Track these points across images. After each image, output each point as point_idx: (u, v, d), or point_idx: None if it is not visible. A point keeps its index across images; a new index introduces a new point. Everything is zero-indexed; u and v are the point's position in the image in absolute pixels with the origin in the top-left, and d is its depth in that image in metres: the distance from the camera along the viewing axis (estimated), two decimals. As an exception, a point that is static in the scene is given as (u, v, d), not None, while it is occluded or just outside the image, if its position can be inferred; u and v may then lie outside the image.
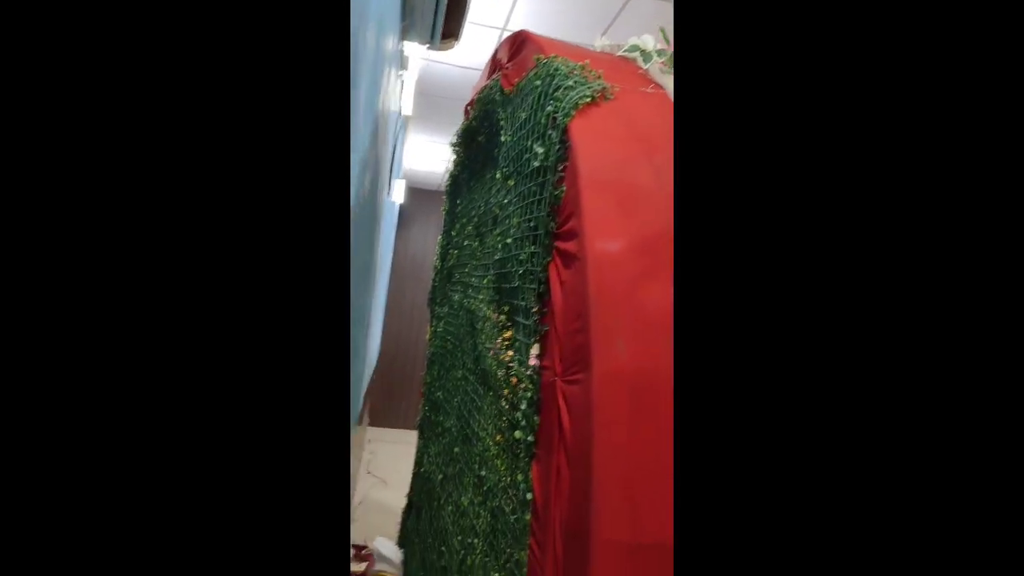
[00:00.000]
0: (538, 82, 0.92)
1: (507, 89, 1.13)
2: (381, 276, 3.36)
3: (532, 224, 0.86)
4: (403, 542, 2.24)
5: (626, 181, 0.78)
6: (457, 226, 1.72)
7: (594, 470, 0.64)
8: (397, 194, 3.84)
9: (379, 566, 2.29)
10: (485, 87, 1.35)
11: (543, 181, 0.84)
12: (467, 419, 1.27)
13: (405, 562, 2.08)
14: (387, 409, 5.10)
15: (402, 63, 2.29)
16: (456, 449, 1.33)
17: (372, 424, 4.86)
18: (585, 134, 0.79)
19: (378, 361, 4.69)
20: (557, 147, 0.81)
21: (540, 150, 0.85)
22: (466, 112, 1.66)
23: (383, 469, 3.84)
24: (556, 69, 0.89)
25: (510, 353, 0.95)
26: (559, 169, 0.81)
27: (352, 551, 2.64)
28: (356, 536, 2.78)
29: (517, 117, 1.01)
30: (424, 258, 5.23)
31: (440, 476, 1.48)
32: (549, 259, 0.81)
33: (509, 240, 0.96)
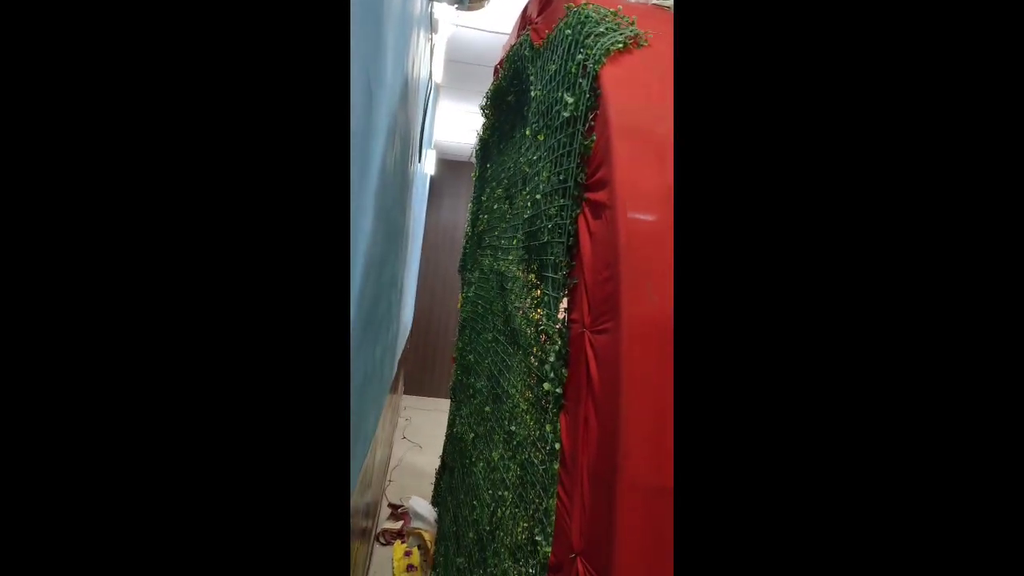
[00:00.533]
0: (568, 31, 0.90)
1: (537, 43, 1.11)
2: (413, 244, 3.40)
3: (562, 177, 0.86)
4: (437, 501, 2.32)
5: (659, 130, 0.76)
6: (487, 190, 1.72)
7: (621, 417, 0.65)
8: (428, 165, 3.85)
9: (414, 523, 2.40)
10: (514, 44, 1.33)
11: (573, 132, 0.83)
12: (497, 379, 1.29)
13: (439, 519, 2.17)
14: (422, 378, 5.24)
15: (432, 26, 2.26)
16: (487, 408, 1.37)
17: (407, 392, 5.02)
18: (616, 82, 0.77)
19: (412, 331, 4.80)
20: (588, 96, 0.80)
21: (570, 99, 0.83)
22: (495, 73, 1.64)
23: (418, 435, 3.97)
24: (587, 16, 0.86)
25: (539, 311, 0.96)
26: (590, 118, 0.79)
27: (389, 510, 2.77)
28: (392, 497, 2.91)
29: (547, 70, 0.99)
30: (456, 229, 5.26)
31: (472, 435, 1.53)
32: (579, 211, 0.80)
33: (539, 196, 0.96)
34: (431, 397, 5.08)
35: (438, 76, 2.69)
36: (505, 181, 1.39)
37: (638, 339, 0.65)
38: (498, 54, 1.63)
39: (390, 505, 2.82)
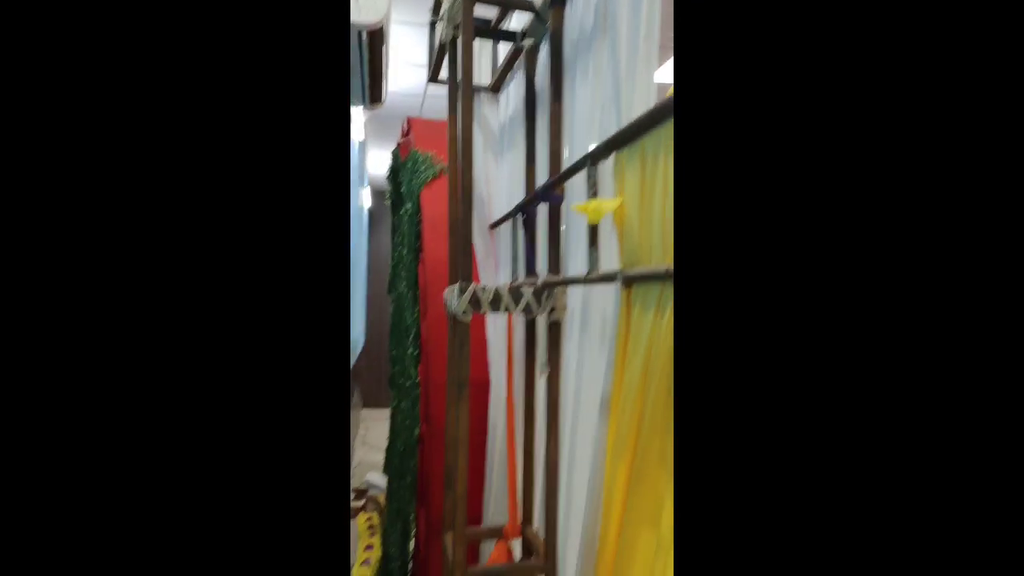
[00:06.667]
0: (410, 164, 1.83)
1: (403, 158, 2.03)
2: (356, 271, 4.19)
3: (412, 242, 1.78)
4: (386, 470, 3.18)
5: (441, 216, 1.69)
6: (396, 235, 2.63)
7: (433, 361, 1.57)
8: (364, 200, 4.69)
9: (372, 492, 3.26)
10: (396, 147, 2.25)
11: (413, 221, 1.76)
12: (406, 364, 2.19)
13: (389, 481, 3.04)
14: (377, 392, 6.04)
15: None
16: (407, 384, 2.26)
17: (366, 406, 5.82)
18: (429, 199, 1.71)
19: (366, 350, 5.61)
20: (417, 205, 1.73)
21: (409, 204, 1.76)
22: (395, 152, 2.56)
23: (375, 439, 4.81)
24: (417, 159, 1.80)
25: (417, 310, 1.87)
26: (418, 217, 1.72)
27: (353, 495, 3.60)
28: (355, 483, 3.75)
29: (404, 178, 1.92)
30: (397, 253, 6.12)
31: (397, 403, 2.41)
32: (418, 260, 1.73)
33: (404, 250, 1.88)
34: (386, 408, 5.90)
35: (360, 137, 3.58)
36: (401, 233, 2.31)
37: (435, 320, 1.58)
38: (405, 108, 2.50)
39: (355, 490, 3.66)
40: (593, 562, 0.76)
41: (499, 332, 1.53)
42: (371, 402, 5.97)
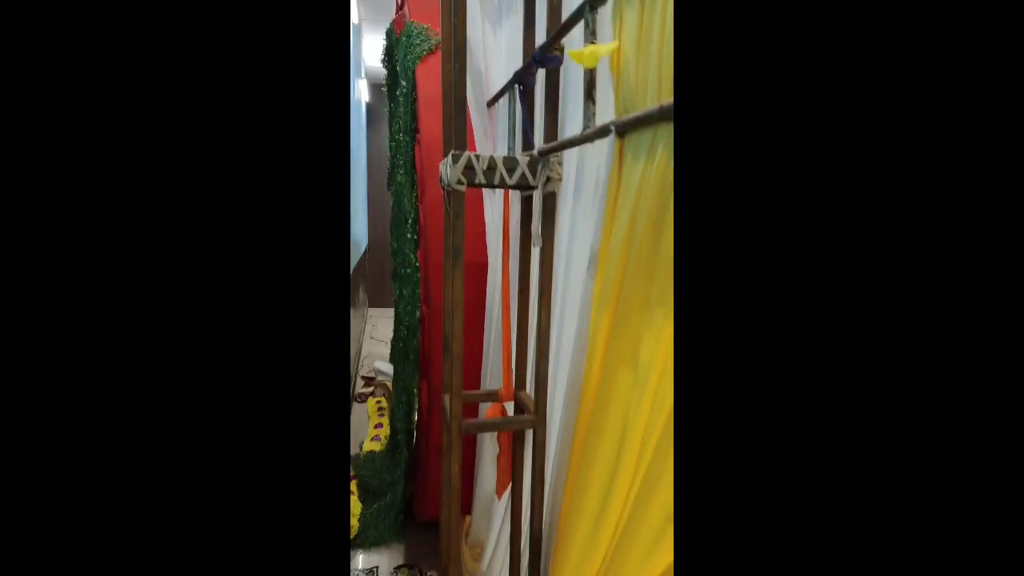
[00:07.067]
0: (405, 38, 1.73)
1: (397, 34, 1.92)
2: (355, 166, 4.11)
3: (408, 123, 1.73)
4: (392, 357, 3.35)
5: (436, 95, 1.63)
6: (393, 123, 2.55)
7: (431, 239, 1.59)
8: (361, 93, 4.48)
9: (379, 378, 3.46)
10: (391, 24, 2.11)
11: (410, 100, 1.69)
12: (406, 251, 2.22)
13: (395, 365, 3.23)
14: (382, 291, 6.18)
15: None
16: (407, 271, 2.30)
17: (371, 305, 5.99)
18: (422, 75, 1.63)
19: (370, 251, 5.66)
20: (412, 82, 1.65)
21: (404, 83, 1.68)
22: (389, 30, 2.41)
23: (381, 334, 4.99)
24: (412, 31, 1.69)
25: (415, 194, 1.87)
26: (414, 95, 1.65)
27: (362, 381, 3.82)
28: (363, 372, 3.96)
29: (399, 56, 1.82)
30: (397, 152, 5.97)
31: (399, 292, 2.48)
32: (415, 143, 1.69)
33: (401, 135, 1.83)
34: (391, 307, 6.08)
35: (354, 19, 3.35)
36: (396, 119, 2.24)
37: (432, 202, 1.57)
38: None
39: (363, 377, 3.88)
40: (576, 400, 0.82)
41: (496, 217, 1.54)
42: (376, 302, 6.13)
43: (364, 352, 4.55)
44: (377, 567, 1.88)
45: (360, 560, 1.93)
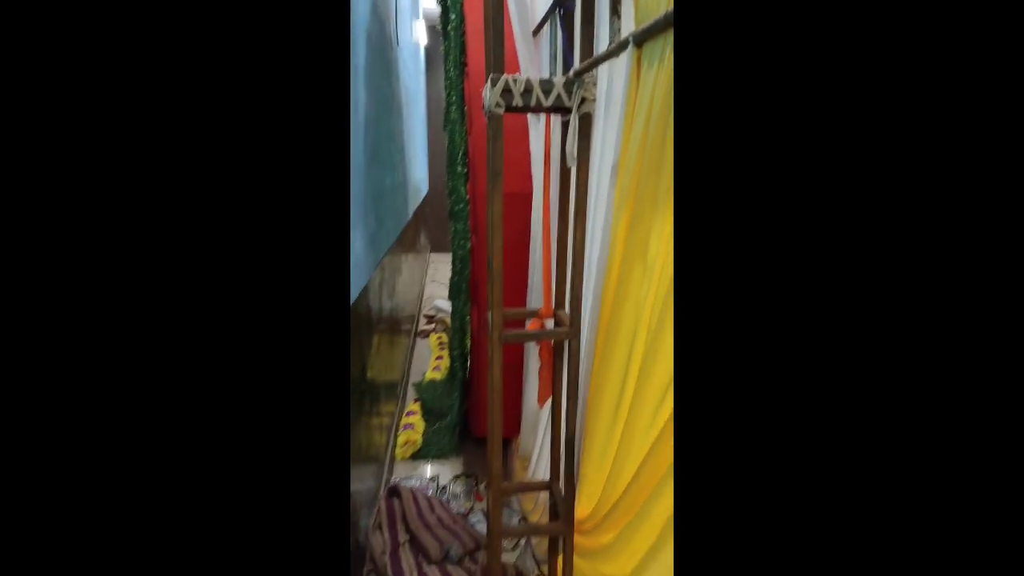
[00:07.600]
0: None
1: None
2: (412, 111, 4.11)
3: (458, 57, 1.78)
4: (450, 295, 3.54)
5: (483, 27, 1.66)
6: (447, 61, 2.60)
7: (480, 170, 1.67)
8: (419, 35, 4.40)
9: (439, 315, 3.69)
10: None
11: (459, 32, 1.74)
12: (457, 185, 2.31)
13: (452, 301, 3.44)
14: (443, 238, 6.38)
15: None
16: (460, 207, 2.40)
17: (433, 251, 6.23)
18: (470, 4, 1.66)
19: (430, 198, 5.82)
20: (461, 15, 1.69)
21: (453, 16, 1.73)
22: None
23: (442, 277, 5.22)
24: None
25: (464, 127, 1.94)
26: (462, 28, 1.69)
27: (424, 320, 4.06)
28: (425, 311, 4.20)
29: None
30: (456, 96, 5.98)
31: (455, 229, 2.60)
32: (463, 76, 1.74)
33: (452, 69, 1.89)
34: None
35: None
36: (449, 56, 2.28)
37: (480, 133, 1.64)
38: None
39: (425, 316, 4.12)
40: (599, 302, 0.90)
41: (539, 146, 1.58)
42: (438, 247, 6.36)
43: (426, 294, 4.80)
44: (439, 475, 2.10)
45: (428, 470, 2.15)
